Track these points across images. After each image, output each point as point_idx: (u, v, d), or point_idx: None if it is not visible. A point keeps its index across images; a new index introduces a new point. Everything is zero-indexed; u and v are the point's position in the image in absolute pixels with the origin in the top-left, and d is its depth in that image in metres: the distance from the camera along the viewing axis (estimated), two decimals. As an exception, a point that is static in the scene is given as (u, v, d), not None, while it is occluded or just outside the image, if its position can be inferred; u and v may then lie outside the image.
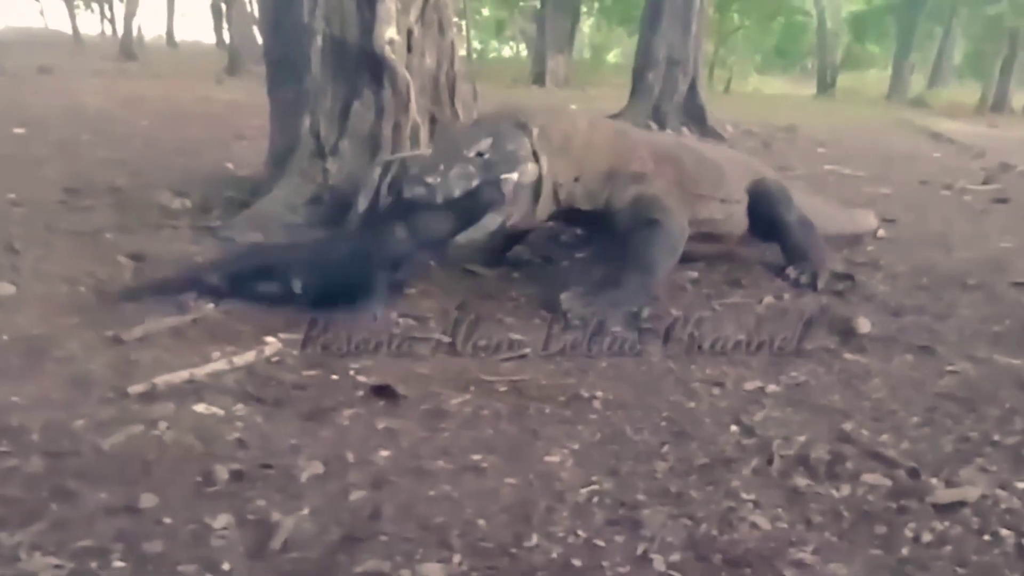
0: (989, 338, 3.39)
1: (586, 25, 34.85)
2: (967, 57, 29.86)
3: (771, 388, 2.77)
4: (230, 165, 6.34)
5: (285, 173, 4.70)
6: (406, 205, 3.41)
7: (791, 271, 4.12)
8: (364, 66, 4.54)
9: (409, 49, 4.65)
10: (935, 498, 2.07)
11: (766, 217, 4.27)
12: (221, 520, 1.84)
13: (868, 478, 2.18)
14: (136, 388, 2.40)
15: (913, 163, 9.48)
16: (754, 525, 1.93)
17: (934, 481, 2.17)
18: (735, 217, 4.22)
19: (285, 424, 2.33)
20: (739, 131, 12.09)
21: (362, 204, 4.49)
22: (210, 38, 31.02)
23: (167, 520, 1.84)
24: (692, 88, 11.73)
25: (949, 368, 3.03)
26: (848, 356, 3.11)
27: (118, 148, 6.96)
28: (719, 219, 4.13)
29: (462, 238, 3.47)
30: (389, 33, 4.44)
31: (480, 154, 3.39)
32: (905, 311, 3.70)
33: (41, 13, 40.50)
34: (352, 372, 2.71)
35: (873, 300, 3.85)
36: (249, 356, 2.73)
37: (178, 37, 31.58)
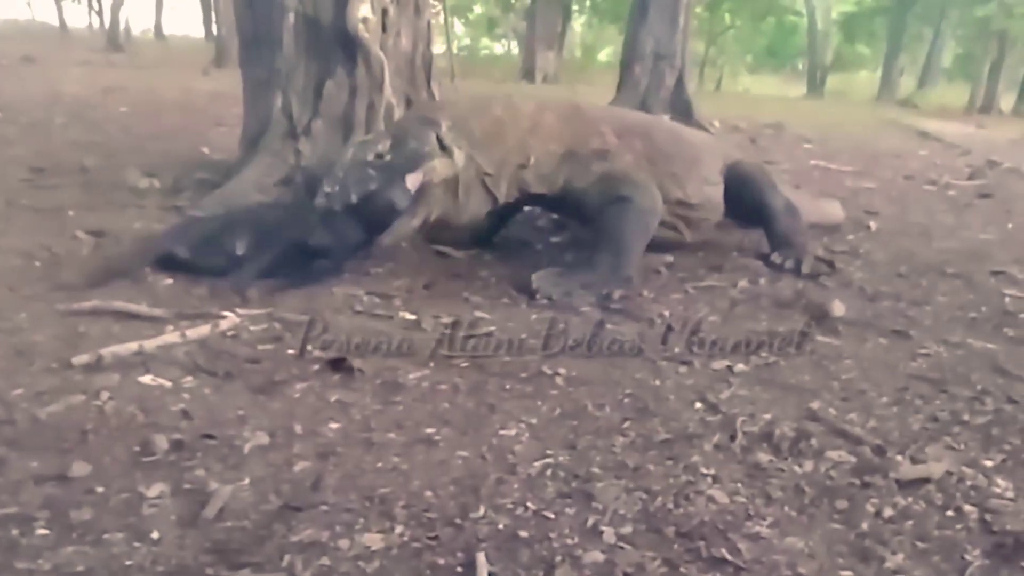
0: (965, 323, 3.34)
1: (578, 24, 34.83)
2: (956, 59, 29.93)
3: (740, 368, 2.70)
4: (205, 150, 6.25)
5: (256, 153, 4.62)
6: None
7: (776, 257, 4.04)
8: (337, 45, 4.47)
9: (384, 29, 4.58)
10: (899, 474, 2.00)
11: (750, 202, 4.16)
12: (155, 489, 1.76)
13: (832, 455, 2.11)
14: (80, 359, 2.33)
15: (899, 160, 9.45)
16: (711, 499, 1.86)
17: (899, 458, 2.11)
18: (712, 201, 4.11)
19: (233, 396, 2.25)
20: (726, 127, 12.05)
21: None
22: (199, 31, 30.83)
23: (99, 489, 1.76)
24: (679, 82, 11.69)
25: (922, 351, 2.97)
26: (821, 338, 3.05)
27: (92, 132, 6.87)
28: (694, 202, 4.00)
29: (382, 240, 3.38)
30: (363, 11, 4.38)
31: (379, 156, 3.30)
32: (881, 297, 3.65)
33: (28, 5, 40.16)
34: (309, 347, 2.63)
35: (850, 286, 3.79)
36: (203, 330, 2.65)
37: (167, 31, 31.37)
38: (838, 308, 3.32)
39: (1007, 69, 22.35)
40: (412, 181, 3.28)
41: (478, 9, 36.51)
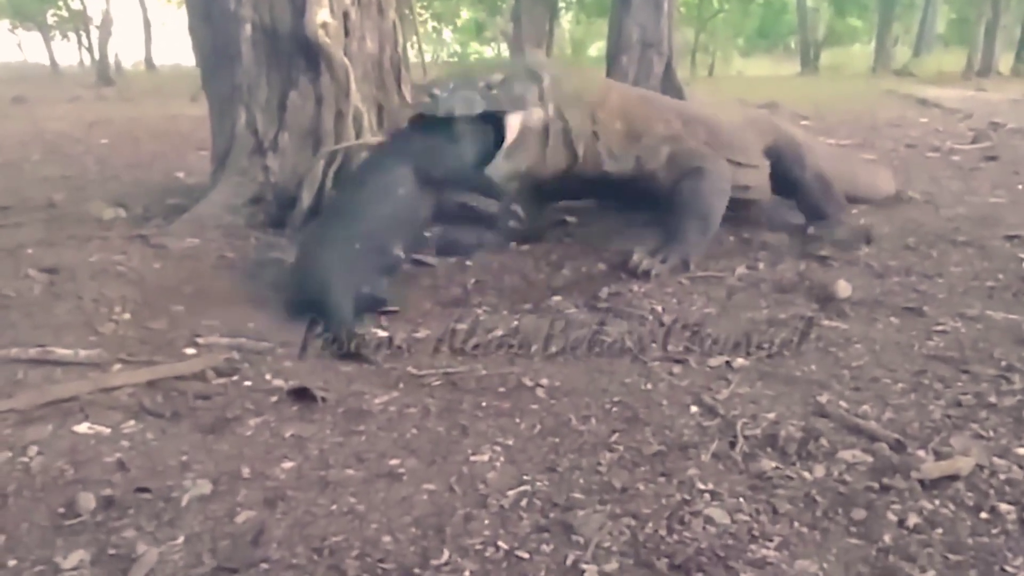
0: (982, 294, 3.11)
1: (566, 20, 34.63)
2: (950, 24, 29.58)
3: (739, 362, 2.47)
4: (181, 175, 6.05)
5: (224, 173, 4.41)
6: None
7: (811, 230, 4.01)
8: (298, 53, 4.24)
9: (347, 33, 4.35)
10: (922, 473, 1.77)
11: (782, 177, 4.20)
12: (74, 558, 1.54)
13: (845, 455, 1.88)
14: (4, 404, 2.11)
15: (899, 129, 9.21)
16: (709, 520, 1.63)
17: (922, 453, 1.88)
18: (763, 184, 4.16)
19: (178, 439, 2.03)
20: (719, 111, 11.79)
21: (306, 199, 4.21)
22: (189, 60, 30.69)
23: (11, 562, 1.55)
24: (668, 69, 11.40)
25: (938, 328, 2.74)
26: (827, 323, 2.81)
27: (66, 166, 6.68)
28: (751, 186, 4.05)
29: (493, 171, 3.41)
30: (322, 16, 4.15)
31: (489, 87, 3.36)
32: (890, 272, 3.41)
33: (19, 46, 40.05)
34: (269, 376, 2.42)
35: (856, 264, 3.56)
36: (158, 370, 2.43)
37: (158, 61, 31.26)
38: (844, 289, 3.09)
39: (1003, 30, 21.94)
40: (514, 120, 3.40)
41: (465, 14, 36.40)
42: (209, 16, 4.44)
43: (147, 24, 29.54)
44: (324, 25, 4.15)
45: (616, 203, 4.29)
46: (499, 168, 3.40)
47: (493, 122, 3.41)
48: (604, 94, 3.79)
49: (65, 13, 32.16)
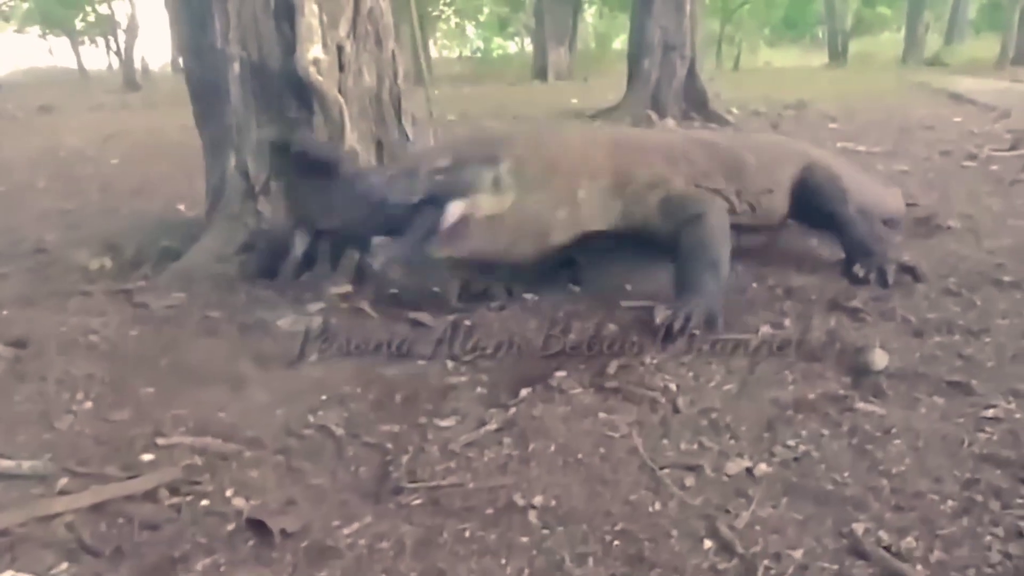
0: (1035, 359, 2.78)
1: (589, 14, 34.30)
2: (982, 10, 28.81)
3: (761, 469, 2.17)
4: (181, 207, 5.83)
5: (216, 219, 4.17)
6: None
7: (858, 269, 3.70)
8: (289, 92, 4.00)
9: (341, 68, 4.09)
10: (984, 661, 1.47)
11: (821, 210, 3.97)
12: None
13: (888, 621, 1.58)
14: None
15: (932, 132, 8.83)
16: None
17: (981, 620, 1.58)
18: (763, 207, 3.91)
19: (112, 592, 1.78)
20: (745, 113, 11.44)
21: (299, 248, 3.97)
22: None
23: None
24: (691, 72, 11.11)
25: (988, 413, 2.41)
26: (861, 406, 2.50)
27: (68, 196, 6.52)
28: (737, 212, 3.76)
29: (384, 253, 3.25)
30: (314, 52, 3.89)
31: (435, 173, 3.10)
32: (929, 328, 3.09)
33: (49, 51, 40.38)
34: (230, 492, 2.16)
35: (891, 316, 3.24)
36: (105, 491, 2.17)
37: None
38: (880, 359, 2.76)
39: (1037, 16, 21.24)
40: (455, 209, 3.17)
41: (488, 10, 36.20)
42: (199, 51, 4.21)
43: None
44: (316, 61, 3.88)
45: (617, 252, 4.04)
46: (433, 251, 3.23)
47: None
48: (585, 151, 3.54)
49: (92, 18, 32.41)
